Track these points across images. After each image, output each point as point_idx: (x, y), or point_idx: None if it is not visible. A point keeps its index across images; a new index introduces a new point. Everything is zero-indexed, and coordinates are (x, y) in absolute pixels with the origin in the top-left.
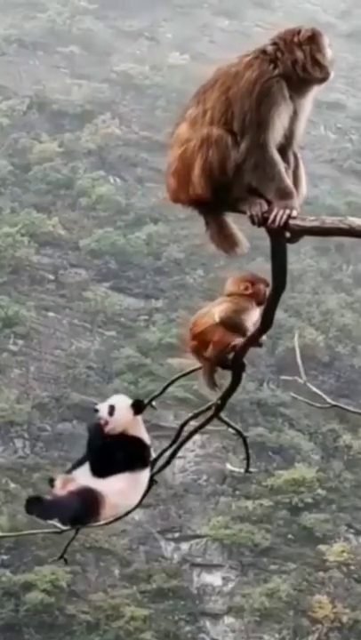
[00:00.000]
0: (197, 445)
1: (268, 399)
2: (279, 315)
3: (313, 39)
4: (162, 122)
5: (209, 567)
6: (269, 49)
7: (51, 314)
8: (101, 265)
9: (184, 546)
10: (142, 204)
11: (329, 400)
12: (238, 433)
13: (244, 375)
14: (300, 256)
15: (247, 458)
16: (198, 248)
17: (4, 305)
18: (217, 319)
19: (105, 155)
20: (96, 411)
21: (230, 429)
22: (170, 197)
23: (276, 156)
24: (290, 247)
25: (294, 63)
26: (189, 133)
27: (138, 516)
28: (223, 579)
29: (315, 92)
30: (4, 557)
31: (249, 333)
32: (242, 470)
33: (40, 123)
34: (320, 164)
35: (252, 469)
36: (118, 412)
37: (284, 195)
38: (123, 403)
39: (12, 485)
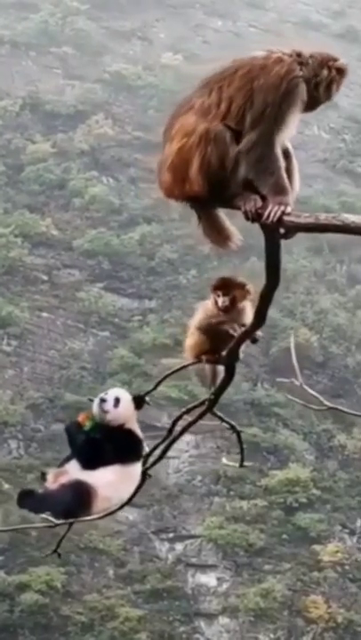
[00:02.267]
0: (191, 446)
1: (263, 399)
2: (273, 315)
3: (341, 72)
4: (155, 122)
5: (203, 567)
6: (305, 54)
7: (44, 314)
8: (95, 265)
9: (178, 546)
10: (135, 204)
11: (325, 402)
12: (232, 427)
13: (237, 375)
14: (294, 256)
15: (241, 452)
16: (192, 248)
17: None
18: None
19: (98, 155)
20: (103, 400)
21: (224, 424)
22: (163, 192)
23: (279, 153)
24: (283, 247)
25: (315, 77)
26: (198, 124)
27: (132, 516)
28: (218, 579)
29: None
30: None
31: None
32: (237, 465)
33: (33, 123)
34: (313, 164)
35: (246, 463)
36: (123, 405)
37: (280, 191)
38: (126, 396)
39: (6, 486)
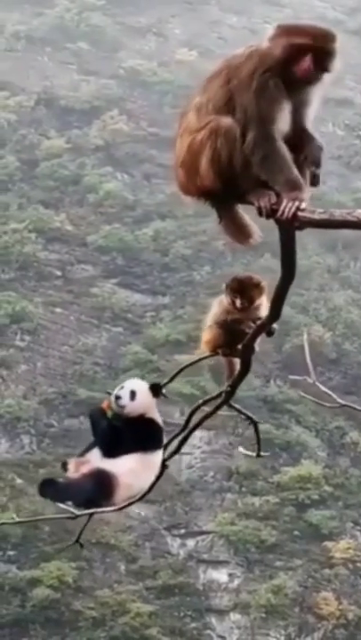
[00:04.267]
0: (204, 442)
1: (275, 396)
2: (286, 311)
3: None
4: (170, 118)
5: (215, 563)
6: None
7: (58, 310)
8: (109, 261)
9: (190, 542)
10: (150, 200)
11: (339, 400)
12: (249, 418)
13: (250, 372)
14: (307, 253)
15: (258, 442)
16: (206, 245)
17: (11, 301)
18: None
19: (113, 151)
20: (118, 397)
21: (242, 415)
22: (180, 189)
23: (283, 148)
24: (297, 244)
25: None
26: (197, 122)
27: (144, 512)
28: (229, 575)
29: (318, 89)
30: (11, 553)
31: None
32: (254, 454)
33: (48, 119)
34: (328, 161)
35: (262, 453)
36: (140, 396)
37: (293, 186)
38: (142, 386)
39: (19, 481)
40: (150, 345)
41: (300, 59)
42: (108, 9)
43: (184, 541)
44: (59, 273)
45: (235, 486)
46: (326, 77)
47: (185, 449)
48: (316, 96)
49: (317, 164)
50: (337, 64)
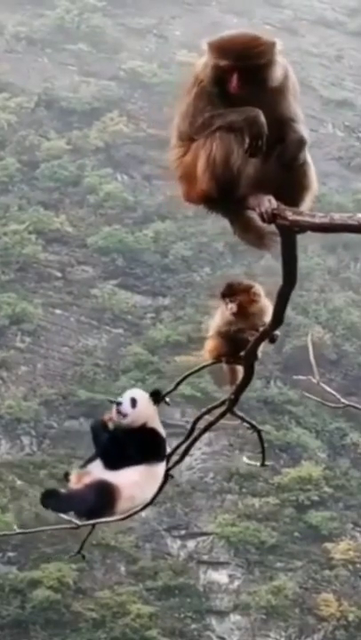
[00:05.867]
0: (204, 443)
1: (276, 397)
2: (286, 313)
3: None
4: (170, 119)
5: (215, 565)
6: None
7: (58, 311)
8: (109, 262)
9: (190, 543)
10: (150, 201)
11: (342, 399)
12: (253, 427)
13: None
14: (308, 254)
15: (262, 451)
16: (206, 246)
17: (11, 302)
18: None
19: (113, 152)
20: (118, 404)
21: (245, 424)
22: (183, 197)
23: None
24: (298, 245)
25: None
26: (187, 128)
27: (144, 513)
28: (229, 576)
29: (277, 74)
30: (11, 554)
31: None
32: (258, 464)
33: (48, 120)
34: (328, 162)
35: (267, 463)
36: (140, 405)
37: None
38: (143, 395)
39: (19, 482)
40: (150, 346)
41: (228, 78)
42: (109, 10)
43: (184, 542)
44: (59, 274)
45: (235, 487)
46: (278, 76)
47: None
48: (285, 87)
49: (293, 160)
50: (276, 71)
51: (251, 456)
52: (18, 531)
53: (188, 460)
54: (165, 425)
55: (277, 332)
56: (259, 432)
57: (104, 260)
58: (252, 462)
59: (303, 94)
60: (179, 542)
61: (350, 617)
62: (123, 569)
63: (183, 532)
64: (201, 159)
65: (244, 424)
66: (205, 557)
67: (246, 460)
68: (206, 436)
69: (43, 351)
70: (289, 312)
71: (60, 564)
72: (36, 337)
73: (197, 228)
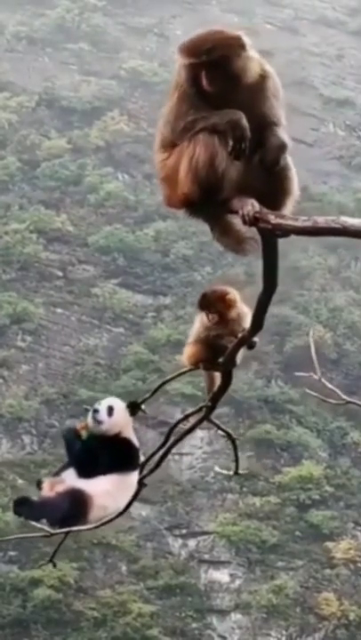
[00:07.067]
0: (205, 442)
1: (276, 396)
2: (287, 312)
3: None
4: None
5: (216, 564)
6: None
7: (59, 310)
8: (110, 261)
9: (191, 542)
10: (151, 200)
11: (344, 396)
12: (228, 435)
13: (251, 372)
14: (309, 253)
15: (236, 460)
16: (207, 245)
17: (12, 301)
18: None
19: (114, 151)
20: (95, 411)
21: (220, 432)
22: (165, 202)
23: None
24: (298, 245)
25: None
26: (170, 132)
27: (145, 512)
28: (230, 575)
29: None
30: (12, 554)
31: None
32: (231, 472)
33: (49, 119)
34: (329, 161)
35: (240, 471)
36: (117, 414)
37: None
38: (119, 404)
39: (20, 481)
40: (151, 345)
41: (199, 76)
42: (109, 9)
43: (185, 542)
44: (60, 273)
45: (236, 487)
46: (254, 72)
47: (186, 449)
48: (264, 87)
49: (274, 164)
50: (247, 65)
51: (251, 455)
52: None
53: (188, 459)
54: (165, 424)
55: (256, 339)
56: (233, 441)
57: (105, 260)
58: (224, 471)
59: (304, 93)
60: (180, 541)
61: (351, 616)
62: (124, 568)
63: (184, 532)
64: (184, 162)
65: (220, 432)
66: (206, 556)
67: (217, 469)
68: (206, 435)
69: (44, 350)
70: (290, 311)
71: (61, 563)
72: (37, 336)
73: (198, 227)
